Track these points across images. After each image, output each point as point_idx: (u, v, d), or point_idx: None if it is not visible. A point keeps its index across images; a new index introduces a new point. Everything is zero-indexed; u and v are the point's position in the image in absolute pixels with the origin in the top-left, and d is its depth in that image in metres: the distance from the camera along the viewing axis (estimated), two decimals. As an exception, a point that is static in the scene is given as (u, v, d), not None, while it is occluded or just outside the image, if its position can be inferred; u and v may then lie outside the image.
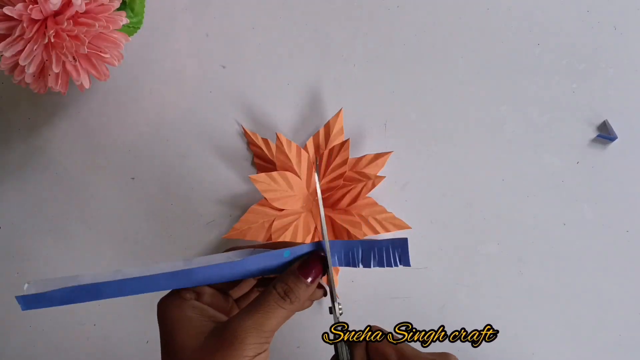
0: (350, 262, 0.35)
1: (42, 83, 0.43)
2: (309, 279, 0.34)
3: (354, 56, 0.51)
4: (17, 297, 0.32)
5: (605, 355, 0.46)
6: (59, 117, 0.52)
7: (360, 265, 0.35)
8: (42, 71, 0.42)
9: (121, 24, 0.42)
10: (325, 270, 0.34)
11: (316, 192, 0.48)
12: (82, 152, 0.51)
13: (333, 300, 0.35)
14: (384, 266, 0.34)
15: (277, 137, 0.46)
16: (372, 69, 0.51)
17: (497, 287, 0.47)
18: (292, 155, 0.46)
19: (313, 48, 0.52)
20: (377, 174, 0.48)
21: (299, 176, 0.47)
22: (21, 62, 0.40)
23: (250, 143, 0.49)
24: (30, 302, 0.32)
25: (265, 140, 0.49)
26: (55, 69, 0.41)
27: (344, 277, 0.48)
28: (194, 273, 0.33)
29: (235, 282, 0.36)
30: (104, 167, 0.51)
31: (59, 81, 0.42)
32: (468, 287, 0.47)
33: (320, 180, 0.48)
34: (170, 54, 0.52)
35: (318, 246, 0.34)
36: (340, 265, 0.35)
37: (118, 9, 0.43)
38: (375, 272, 0.48)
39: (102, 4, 0.41)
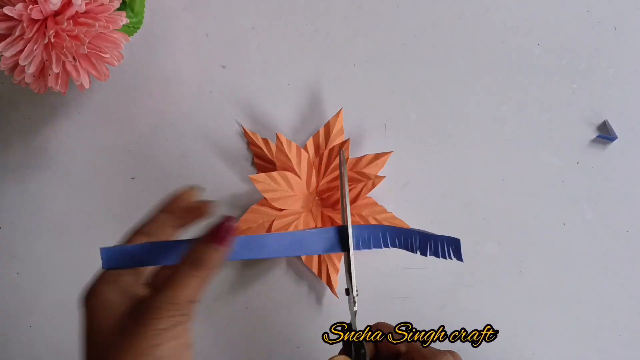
0: (408, 247, 0.36)
1: (42, 83, 0.43)
2: (218, 242, 0.32)
3: (354, 56, 0.51)
4: (102, 249, 0.33)
5: (605, 355, 0.46)
6: (59, 117, 0.52)
7: (418, 252, 0.36)
8: (42, 71, 0.42)
9: (121, 24, 0.42)
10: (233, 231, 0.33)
11: (316, 193, 0.48)
12: (82, 152, 0.51)
13: (351, 282, 0.36)
14: (438, 257, 0.36)
15: (277, 137, 0.46)
16: (372, 69, 0.51)
17: (497, 287, 0.47)
18: (292, 155, 0.46)
19: (313, 48, 0.52)
20: (377, 174, 0.48)
21: (299, 176, 0.47)
22: (21, 62, 0.40)
23: (250, 143, 0.49)
24: (112, 257, 0.33)
25: (265, 140, 0.49)
26: (55, 69, 0.41)
27: (344, 277, 0.48)
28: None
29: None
30: (104, 167, 0.51)
31: (59, 81, 0.42)
32: (468, 287, 0.47)
33: (321, 178, 0.48)
34: (170, 53, 0.52)
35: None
36: (391, 246, 0.36)
37: (118, 9, 0.43)
38: (376, 272, 0.48)
39: (102, 4, 0.41)
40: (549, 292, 0.47)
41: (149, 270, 0.34)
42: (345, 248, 0.35)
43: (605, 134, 0.49)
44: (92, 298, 0.32)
